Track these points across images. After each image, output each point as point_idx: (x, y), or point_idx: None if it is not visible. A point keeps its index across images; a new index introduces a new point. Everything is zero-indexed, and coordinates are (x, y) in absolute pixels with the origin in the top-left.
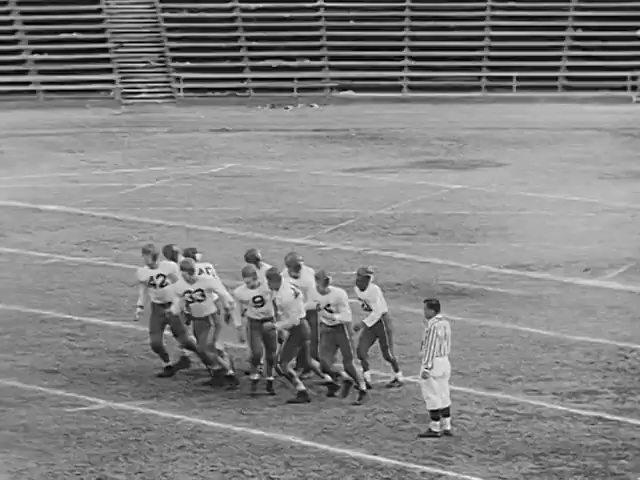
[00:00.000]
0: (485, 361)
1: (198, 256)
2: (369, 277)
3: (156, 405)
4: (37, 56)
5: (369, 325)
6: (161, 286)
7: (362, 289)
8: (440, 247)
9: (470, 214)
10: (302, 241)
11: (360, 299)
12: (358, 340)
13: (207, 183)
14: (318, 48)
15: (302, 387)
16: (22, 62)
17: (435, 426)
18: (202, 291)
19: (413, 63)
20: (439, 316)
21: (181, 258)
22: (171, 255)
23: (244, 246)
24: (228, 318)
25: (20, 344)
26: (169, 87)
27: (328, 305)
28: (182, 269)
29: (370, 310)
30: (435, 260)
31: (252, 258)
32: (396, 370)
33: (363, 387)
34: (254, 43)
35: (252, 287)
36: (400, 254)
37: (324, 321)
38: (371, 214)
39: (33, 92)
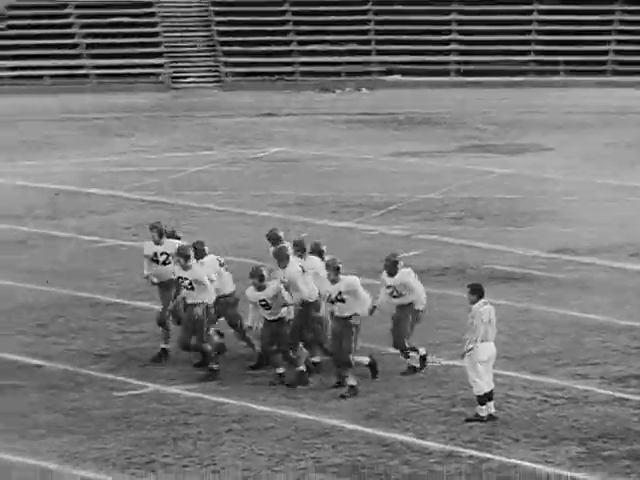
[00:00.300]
0: (532, 345)
1: (206, 249)
2: (397, 262)
3: (204, 389)
4: (89, 40)
5: (422, 308)
6: (163, 264)
7: (391, 275)
8: (488, 231)
9: (518, 198)
10: (350, 225)
11: (390, 285)
12: (392, 329)
13: (254, 167)
14: (366, 32)
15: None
16: (75, 46)
17: (482, 410)
18: (190, 281)
19: (461, 47)
20: (483, 301)
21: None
22: (172, 234)
23: (291, 230)
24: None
25: (72, 328)
26: (217, 71)
27: (339, 293)
28: (177, 254)
29: (400, 296)
30: (483, 244)
31: (273, 237)
32: (418, 352)
33: (353, 383)
34: (302, 27)
35: (259, 289)
36: (448, 238)
37: (336, 313)
38: (419, 198)
39: (85, 76)
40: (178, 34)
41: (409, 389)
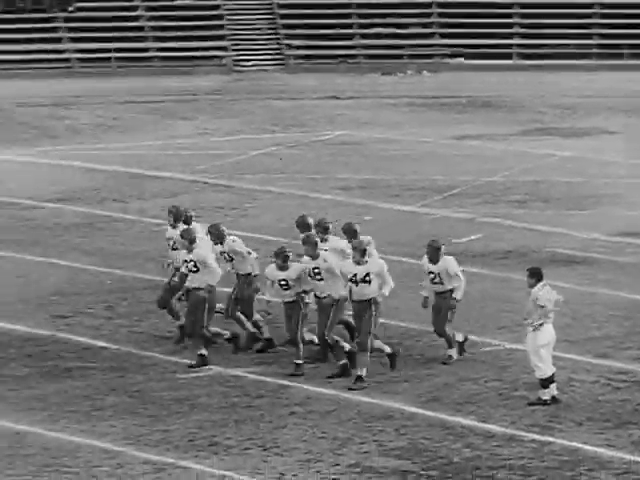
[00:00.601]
0: (595, 329)
1: (224, 230)
2: (440, 249)
3: (266, 372)
4: (154, 23)
5: (460, 298)
6: (172, 249)
7: (434, 262)
8: (551, 215)
9: (581, 182)
10: (412, 209)
11: (431, 272)
12: (432, 320)
13: (317, 150)
14: (429, 15)
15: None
16: (140, 29)
17: (544, 394)
18: (194, 262)
19: (523, 31)
20: (542, 284)
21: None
22: (184, 219)
23: (353, 213)
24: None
25: (136, 310)
26: (280, 54)
27: (367, 275)
28: (182, 237)
29: (441, 283)
30: (545, 228)
31: (302, 224)
32: (450, 347)
33: (363, 373)
34: (365, 10)
35: (281, 269)
36: (510, 221)
37: (354, 297)
38: (482, 182)
39: (150, 59)
40: (241, 17)
41: (471, 373)
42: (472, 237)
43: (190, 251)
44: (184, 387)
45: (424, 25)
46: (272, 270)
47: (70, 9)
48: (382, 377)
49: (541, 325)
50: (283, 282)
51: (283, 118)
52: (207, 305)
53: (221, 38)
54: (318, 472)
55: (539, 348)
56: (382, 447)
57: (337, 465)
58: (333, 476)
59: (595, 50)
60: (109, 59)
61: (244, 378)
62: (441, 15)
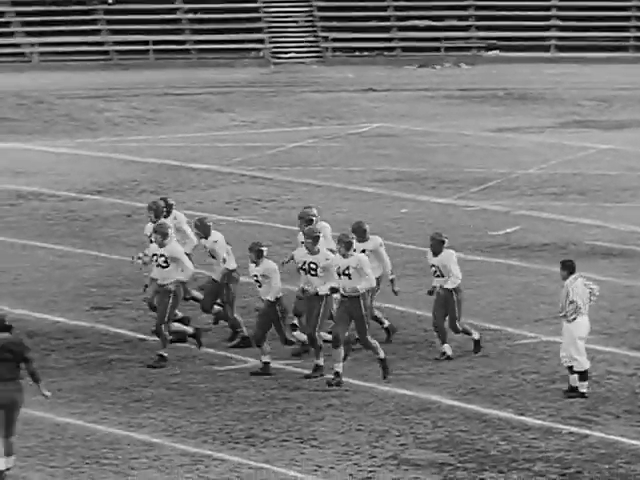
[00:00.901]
0: (633, 321)
1: (210, 225)
2: (443, 242)
3: (304, 364)
4: (191, 16)
5: (450, 287)
6: (150, 243)
7: (435, 254)
8: (588, 207)
9: (618, 174)
10: (449, 201)
11: (433, 265)
12: (432, 311)
13: (354, 143)
14: (465, 8)
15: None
16: (178, 21)
17: (583, 387)
18: (165, 257)
19: (561, 23)
20: (574, 276)
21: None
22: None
23: (391, 206)
24: (186, 292)
25: None
26: (317, 47)
27: (347, 269)
28: (155, 232)
29: (442, 276)
30: (583, 220)
31: (306, 217)
32: (443, 342)
33: (382, 355)
34: (402, 3)
35: (255, 264)
36: (547, 214)
37: (342, 291)
38: (519, 174)
39: (187, 51)
40: (279, 9)
41: (509, 365)
42: (508, 230)
43: (162, 246)
44: (221, 379)
45: (461, 17)
46: (251, 267)
47: (109, 2)
48: (419, 369)
49: (574, 319)
50: (255, 278)
51: (320, 110)
52: (172, 301)
53: (259, 31)
54: (355, 464)
55: (576, 340)
56: (419, 439)
57: (374, 457)
58: (370, 468)
59: (632, 43)
60: (147, 51)
61: (281, 370)
62: (478, 7)
